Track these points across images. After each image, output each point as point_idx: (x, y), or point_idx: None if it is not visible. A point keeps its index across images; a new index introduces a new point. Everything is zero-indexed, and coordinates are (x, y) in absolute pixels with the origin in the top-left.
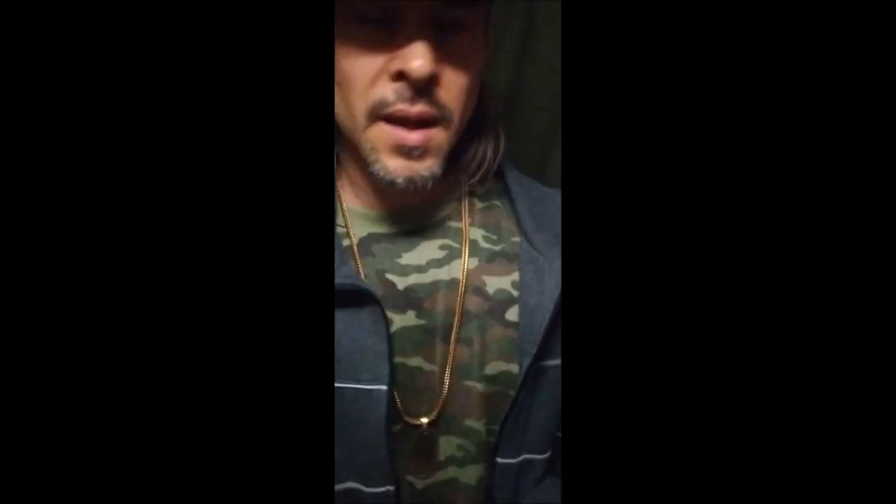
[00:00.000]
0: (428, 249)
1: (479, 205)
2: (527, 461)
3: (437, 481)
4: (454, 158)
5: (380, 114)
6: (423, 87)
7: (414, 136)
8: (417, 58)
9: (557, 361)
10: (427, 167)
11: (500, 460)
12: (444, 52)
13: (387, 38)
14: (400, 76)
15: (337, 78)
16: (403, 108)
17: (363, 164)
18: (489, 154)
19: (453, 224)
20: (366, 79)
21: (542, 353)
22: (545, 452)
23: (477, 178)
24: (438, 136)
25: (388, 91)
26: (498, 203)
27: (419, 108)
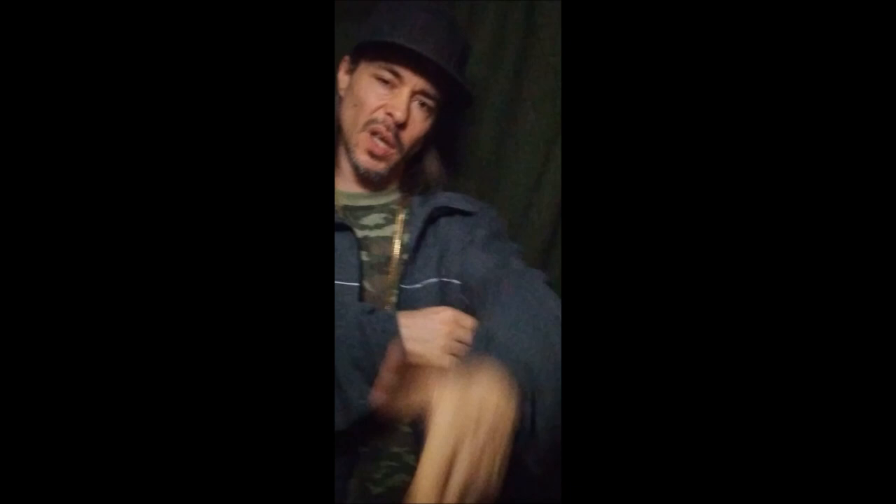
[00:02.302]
0: (375, 219)
1: (404, 199)
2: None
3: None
4: (408, 179)
5: (367, 125)
6: (397, 126)
7: (379, 145)
8: (399, 111)
9: (418, 285)
10: (380, 168)
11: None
12: (413, 114)
13: (387, 94)
14: (388, 114)
15: (352, 102)
16: (381, 129)
17: (349, 157)
18: (426, 184)
19: (393, 207)
20: (370, 106)
21: (407, 279)
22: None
23: (416, 193)
24: (392, 155)
25: (377, 116)
26: (417, 197)
27: (389, 134)
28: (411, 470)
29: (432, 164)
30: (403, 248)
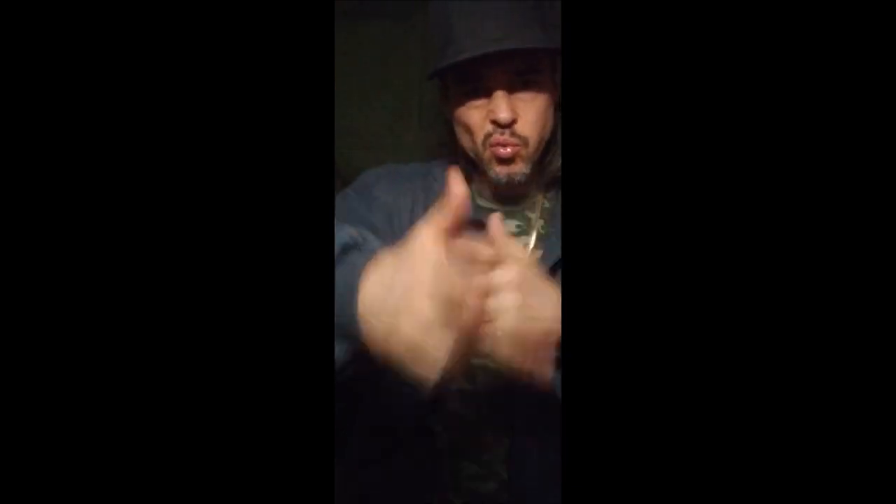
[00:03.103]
0: (510, 226)
1: (545, 205)
2: None
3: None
4: (541, 172)
5: (488, 142)
6: (507, 126)
7: (503, 150)
8: (502, 112)
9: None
10: (518, 170)
11: None
12: (519, 104)
13: (486, 102)
14: (494, 122)
15: (463, 128)
16: (498, 137)
17: (487, 177)
18: (557, 168)
19: (527, 213)
20: (480, 123)
21: None
22: None
23: (545, 184)
24: (522, 151)
25: (489, 129)
26: (549, 205)
27: (506, 137)
28: (501, 480)
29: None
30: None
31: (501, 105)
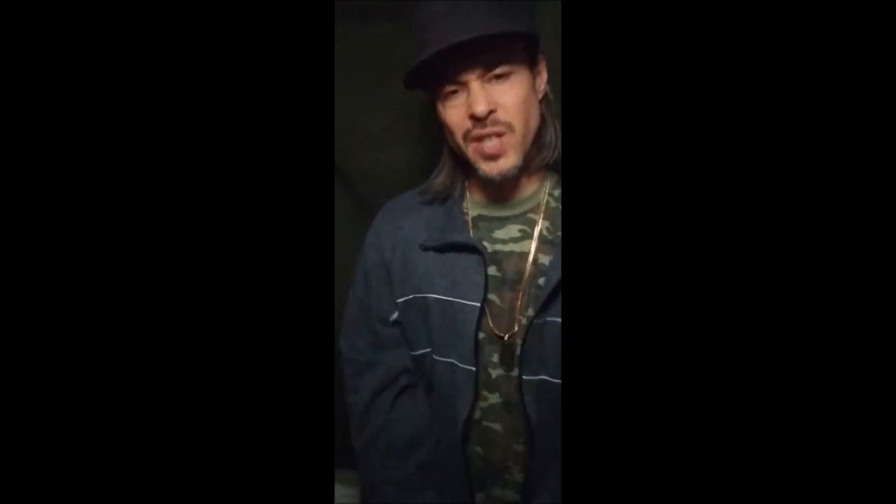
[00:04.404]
0: (511, 231)
1: (551, 205)
2: (542, 381)
3: (504, 374)
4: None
5: (468, 138)
6: (486, 117)
7: (489, 145)
8: (478, 104)
9: (557, 319)
10: (508, 164)
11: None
12: (496, 94)
13: (464, 100)
14: (472, 116)
15: (447, 130)
16: (479, 131)
17: (478, 175)
18: (551, 141)
19: (531, 216)
20: (459, 122)
21: (543, 311)
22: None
23: (550, 160)
24: (509, 140)
25: (468, 125)
26: (556, 206)
27: (487, 129)
28: (518, 487)
29: (548, 131)
30: (538, 268)
31: (477, 97)
